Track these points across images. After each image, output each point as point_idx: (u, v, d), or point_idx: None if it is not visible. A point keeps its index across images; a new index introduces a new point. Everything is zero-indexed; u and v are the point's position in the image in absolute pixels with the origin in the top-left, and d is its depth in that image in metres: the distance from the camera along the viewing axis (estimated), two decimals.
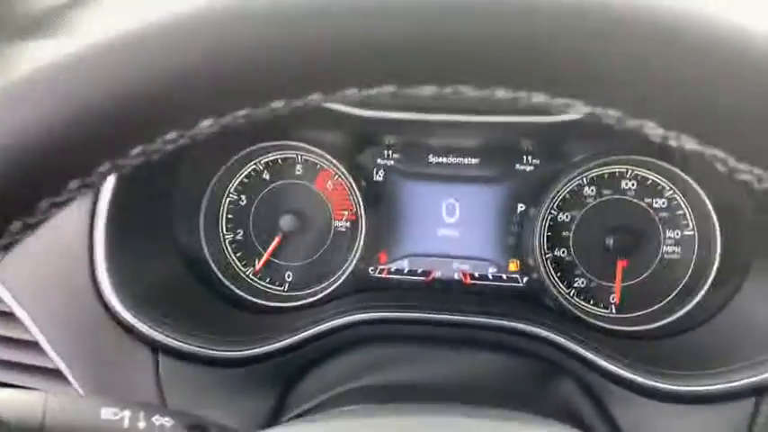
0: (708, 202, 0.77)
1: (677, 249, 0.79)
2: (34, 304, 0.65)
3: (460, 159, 0.84)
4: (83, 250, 0.64)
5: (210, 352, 0.66)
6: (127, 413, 0.49)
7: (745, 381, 0.60)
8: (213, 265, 0.82)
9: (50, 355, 0.65)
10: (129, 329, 0.65)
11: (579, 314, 0.79)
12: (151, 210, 0.73)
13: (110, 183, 0.65)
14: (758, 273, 0.71)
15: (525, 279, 0.83)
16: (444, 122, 0.69)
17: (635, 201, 0.80)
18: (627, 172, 0.80)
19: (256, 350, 0.67)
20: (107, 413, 0.49)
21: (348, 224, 0.84)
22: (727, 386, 0.60)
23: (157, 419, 0.50)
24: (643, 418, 0.64)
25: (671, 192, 0.79)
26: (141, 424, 0.49)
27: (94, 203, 0.65)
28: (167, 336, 0.65)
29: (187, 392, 0.65)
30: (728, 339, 0.69)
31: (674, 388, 0.62)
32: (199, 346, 0.66)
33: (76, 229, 0.65)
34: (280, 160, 0.84)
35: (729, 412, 0.61)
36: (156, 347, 0.66)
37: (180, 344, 0.65)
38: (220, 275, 0.82)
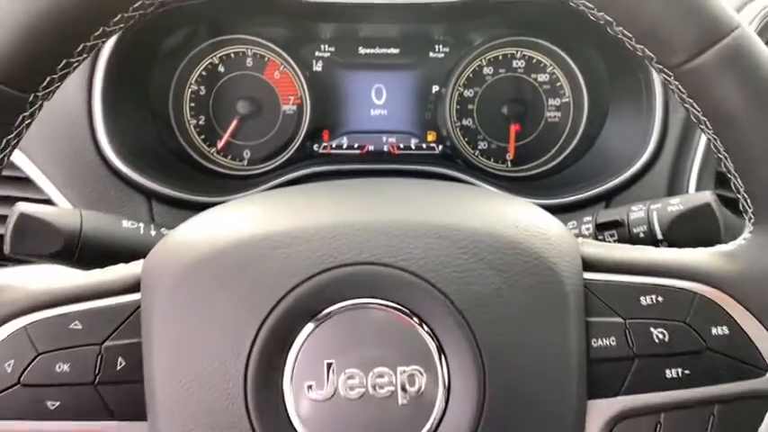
0: (579, 74, 0.99)
1: (558, 114, 1.01)
2: (45, 167, 0.79)
3: (385, 50, 1.00)
4: (83, 116, 0.79)
5: (199, 198, 0.81)
6: (141, 224, 0.66)
7: (594, 191, 0.83)
8: (184, 144, 0.98)
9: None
10: (126, 181, 0.81)
11: (484, 168, 1.00)
12: (136, 90, 0.88)
13: (102, 62, 0.80)
14: (611, 123, 0.94)
15: (441, 147, 1.02)
16: (369, 5, 0.85)
17: (524, 76, 0.98)
18: (517, 53, 1.00)
19: (235, 196, 0.84)
20: (127, 224, 0.65)
21: (294, 108, 0.97)
22: (579, 197, 0.83)
23: (164, 230, 0.67)
24: None
25: (551, 68, 1.01)
26: (152, 232, 0.66)
27: (90, 80, 0.80)
28: (160, 185, 0.81)
29: None
30: (592, 171, 0.92)
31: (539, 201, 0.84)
32: (188, 194, 0.82)
33: (76, 100, 0.80)
34: (232, 54, 0.99)
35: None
36: (149, 195, 0.82)
37: (171, 191, 0.82)
38: (190, 152, 0.98)
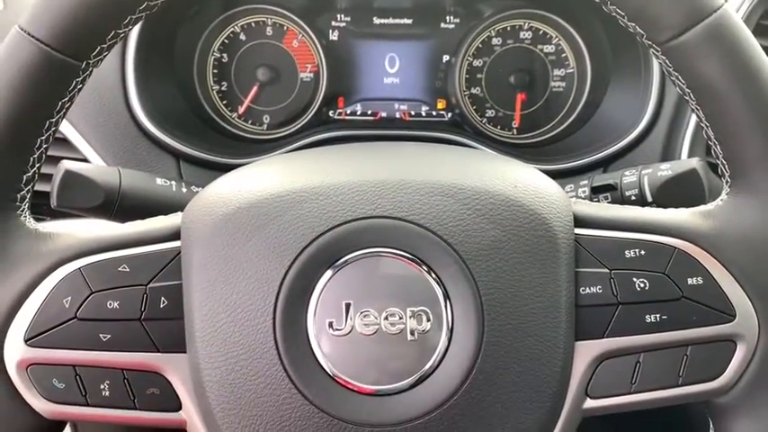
0: (583, 46, 1.03)
1: (562, 84, 1.05)
2: (82, 128, 0.85)
3: (398, 20, 1.02)
4: (117, 82, 0.85)
5: (224, 159, 0.86)
6: (173, 182, 0.72)
7: (593, 158, 0.88)
8: (207, 108, 1.03)
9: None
10: (157, 142, 0.86)
11: (490, 135, 1.04)
12: (164, 58, 0.93)
13: (134, 32, 0.85)
14: (611, 94, 0.99)
15: (450, 114, 1.02)
16: None
17: (531, 47, 1.01)
18: (524, 25, 1.04)
19: (257, 158, 0.89)
20: (160, 181, 0.71)
21: (312, 75, 1.00)
22: (579, 162, 0.88)
23: (193, 188, 0.72)
24: None
25: (557, 39, 1.05)
26: (183, 189, 0.71)
27: (123, 49, 0.85)
28: (187, 147, 0.87)
29: None
30: (592, 138, 0.96)
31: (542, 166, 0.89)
32: (213, 155, 0.88)
33: (111, 67, 0.85)
34: (253, 23, 1.02)
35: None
36: (178, 156, 0.88)
37: (198, 153, 0.87)
38: (213, 116, 1.03)
